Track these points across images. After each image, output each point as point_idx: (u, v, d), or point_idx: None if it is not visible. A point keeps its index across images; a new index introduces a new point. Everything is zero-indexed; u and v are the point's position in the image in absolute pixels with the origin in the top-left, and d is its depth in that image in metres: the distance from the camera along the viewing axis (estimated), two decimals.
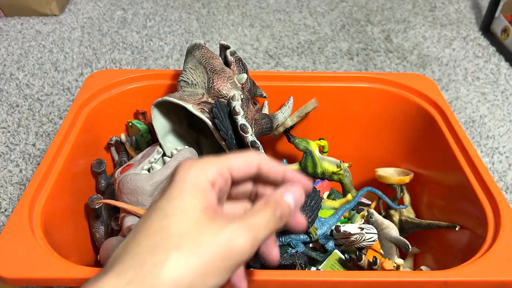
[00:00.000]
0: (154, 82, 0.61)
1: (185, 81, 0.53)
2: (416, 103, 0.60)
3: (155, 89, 0.61)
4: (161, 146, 0.55)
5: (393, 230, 0.54)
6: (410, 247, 0.51)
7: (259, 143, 0.48)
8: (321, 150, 0.61)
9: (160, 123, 0.55)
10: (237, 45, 1.14)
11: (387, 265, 0.48)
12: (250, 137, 0.48)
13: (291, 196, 0.27)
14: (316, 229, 0.52)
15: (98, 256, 0.53)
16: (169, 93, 0.53)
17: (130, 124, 0.61)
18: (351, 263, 0.50)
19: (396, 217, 0.58)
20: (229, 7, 1.31)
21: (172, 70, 0.63)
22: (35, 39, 1.16)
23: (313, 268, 0.53)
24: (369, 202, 0.61)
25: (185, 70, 0.53)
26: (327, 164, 0.58)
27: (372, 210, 0.55)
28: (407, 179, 0.57)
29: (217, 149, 0.55)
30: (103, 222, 0.55)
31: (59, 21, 1.24)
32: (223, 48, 0.56)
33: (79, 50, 1.12)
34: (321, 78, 0.63)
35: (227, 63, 0.54)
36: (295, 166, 0.60)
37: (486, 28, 1.18)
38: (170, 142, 0.56)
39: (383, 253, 0.53)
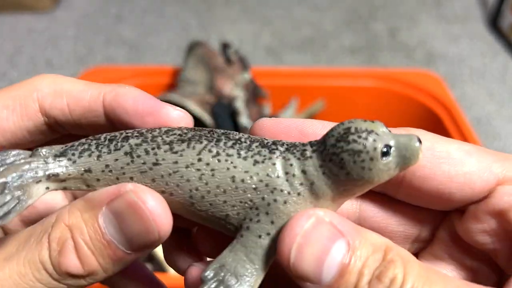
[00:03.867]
0: (151, 79, 0.59)
1: (185, 80, 0.51)
2: (422, 101, 0.58)
3: (152, 87, 0.59)
4: None
5: None
6: None
7: None
8: None
9: None
10: (236, 42, 1.12)
11: None
12: None
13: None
14: None
15: None
16: (168, 92, 0.51)
17: None
18: None
19: None
20: (228, 3, 1.28)
21: (170, 68, 0.60)
22: (28, 36, 1.13)
23: None
24: None
25: (185, 69, 0.51)
26: None
27: None
28: None
29: None
30: None
31: (53, 17, 1.21)
32: (224, 46, 0.54)
33: (74, 47, 1.09)
34: (324, 74, 0.61)
35: (228, 62, 0.52)
36: None
37: (492, 24, 1.16)
38: None
39: None
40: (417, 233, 0.21)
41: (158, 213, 0.17)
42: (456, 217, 0.20)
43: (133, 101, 0.20)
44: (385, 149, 0.16)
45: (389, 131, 0.17)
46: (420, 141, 0.17)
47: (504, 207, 0.18)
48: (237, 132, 0.19)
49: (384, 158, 0.16)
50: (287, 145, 0.18)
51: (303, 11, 1.25)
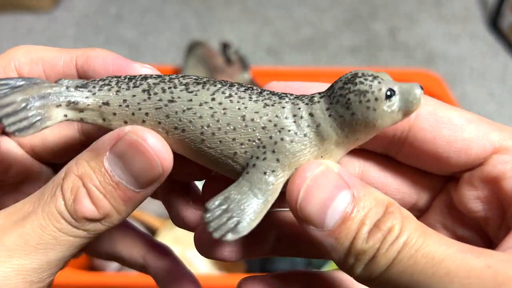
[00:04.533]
0: None
1: None
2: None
3: None
4: None
5: None
6: None
7: None
8: None
9: None
10: (236, 42, 1.12)
11: None
12: None
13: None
14: None
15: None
16: None
17: None
18: None
19: None
20: (228, 3, 1.28)
21: (170, 68, 0.60)
22: (28, 36, 1.13)
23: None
24: None
25: (185, 69, 0.51)
26: None
27: None
28: None
29: None
30: None
31: (53, 17, 1.21)
32: (224, 46, 0.54)
33: (74, 47, 1.09)
34: (324, 74, 0.61)
35: (228, 61, 0.52)
36: None
37: (492, 24, 1.16)
38: None
39: None
40: (414, 202, 0.22)
41: (158, 148, 0.18)
42: (453, 185, 0.21)
43: (103, 62, 0.21)
44: (389, 92, 0.17)
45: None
46: (421, 88, 0.18)
47: (497, 175, 0.19)
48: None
49: (387, 100, 0.17)
50: (296, 95, 0.19)
51: (303, 11, 1.25)
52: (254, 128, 0.18)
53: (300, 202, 0.17)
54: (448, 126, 0.19)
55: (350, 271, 0.17)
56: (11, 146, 0.22)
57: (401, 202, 0.22)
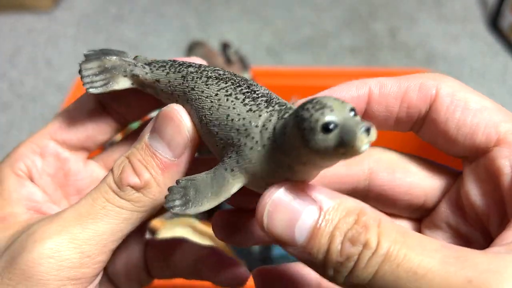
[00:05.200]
0: None
1: None
2: None
3: None
4: None
5: None
6: None
7: None
8: None
9: None
10: (236, 42, 1.12)
11: None
12: None
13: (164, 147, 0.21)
14: None
15: None
16: None
17: None
18: None
19: None
20: (228, 3, 1.28)
21: None
22: (28, 36, 1.13)
23: None
24: None
25: None
26: None
27: None
28: None
29: None
30: None
31: (53, 17, 1.21)
32: (225, 46, 0.54)
33: (74, 47, 1.09)
34: (324, 74, 0.61)
35: (228, 61, 0.52)
36: None
37: (492, 24, 1.16)
38: None
39: None
40: (421, 203, 0.22)
41: (184, 114, 0.21)
42: (462, 179, 0.20)
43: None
44: (330, 126, 0.16)
45: (354, 115, 0.17)
46: (368, 131, 0.16)
47: (496, 170, 0.18)
48: (264, 88, 0.21)
49: (323, 134, 0.16)
50: (286, 106, 0.20)
51: (304, 11, 1.25)
52: (231, 128, 0.20)
53: (267, 226, 0.17)
54: (462, 110, 0.19)
55: (333, 281, 0.17)
56: (94, 167, 0.26)
57: (409, 203, 0.22)
